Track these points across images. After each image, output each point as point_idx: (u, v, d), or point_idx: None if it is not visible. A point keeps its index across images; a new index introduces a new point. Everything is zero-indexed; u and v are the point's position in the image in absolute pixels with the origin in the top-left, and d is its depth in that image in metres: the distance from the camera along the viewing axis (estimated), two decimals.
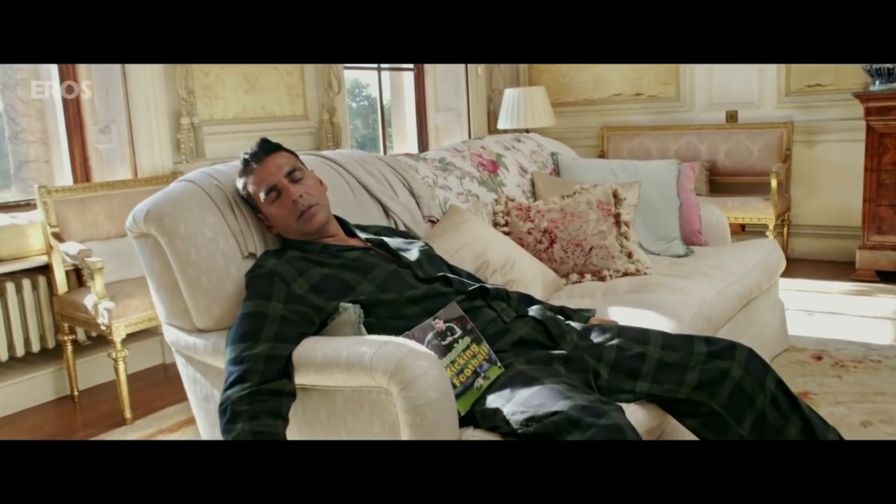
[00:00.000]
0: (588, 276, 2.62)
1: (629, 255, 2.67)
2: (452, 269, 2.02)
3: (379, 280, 1.75)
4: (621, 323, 1.98)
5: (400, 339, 1.56)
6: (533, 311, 1.82)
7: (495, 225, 2.70)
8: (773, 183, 4.56)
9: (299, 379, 1.62)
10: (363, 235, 1.93)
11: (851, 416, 2.52)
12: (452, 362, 1.62)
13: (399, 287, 1.75)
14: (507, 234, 2.66)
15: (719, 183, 5.06)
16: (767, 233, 4.61)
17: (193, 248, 1.79)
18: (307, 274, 1.73)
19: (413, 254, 1.88)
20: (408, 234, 2.09)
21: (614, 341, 1.77)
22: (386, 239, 1.92)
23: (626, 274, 2.62)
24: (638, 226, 2.92)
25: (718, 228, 3.21)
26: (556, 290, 2.49)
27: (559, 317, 1.86)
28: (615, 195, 2.74)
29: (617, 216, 2.71)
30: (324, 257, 1.80)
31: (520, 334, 1.73)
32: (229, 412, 1.53)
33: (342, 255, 1.81)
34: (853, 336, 3.34)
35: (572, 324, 1.86)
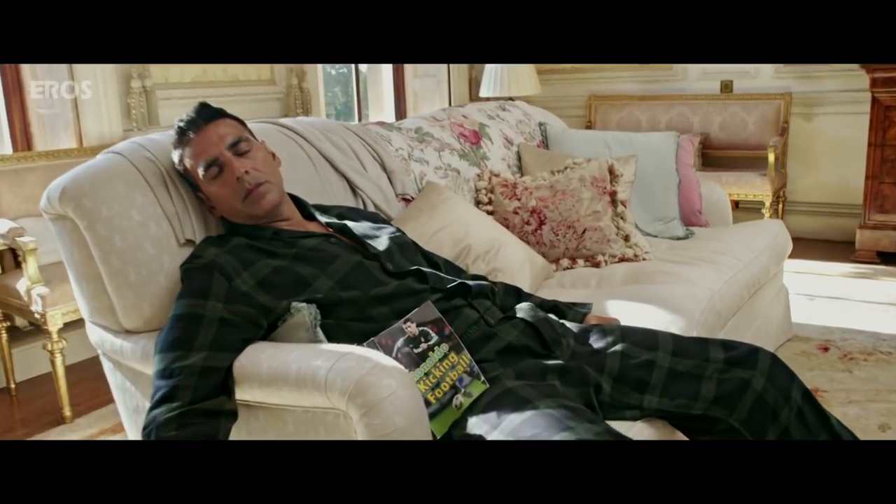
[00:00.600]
0: (581, 262, 2.35)
1: (626, 239, 2.40)
2: (429, 258, 1.75)
3: (340, 274, 1.47)
4: (622, 321, 1.72)
5: (362, 351, 1.28)
6: (522, 310, 1.54)
7: (477, 203, 2.42)
8: (771, 157, 4.30)
9: (241, 395, 1.34)
10: (324, 219, 1.64)
11: (867, 417, 2.29)
12: (427, 374, 1.35)
13: (364, 283, 1.46)
14: (490, 213, 2.38)
15: (712, 157, 4.80)
16: (763, 210, 4.37)
17: (118, 234, 1.49)
18: (254, 266, 1.44)
19: (382, 242, 1.60)
20: (377, 217, 1.80)
21: (618, 347, 1.50)
22: (350, 223, 1.63)
23: (622, 259, 2.36)
24: (633, 205, 2.65)
25: (720, 207, 2.95)
26: (546, 277, 2.22)
27: (552, 316, 1.59)
28: (611, 171, 2.46)
29: (613, 194, 2.44)
30: (275, 246, 1.51)
31: (507, 340, 1.46)
32: (153, 437, 1.26)
33: (297, 244, 1.52)
34: (859, 324, 3.11)
35: (567, 324, 1.59)
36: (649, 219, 2.73)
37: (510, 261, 2.03)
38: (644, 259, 2.36)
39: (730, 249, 2.45)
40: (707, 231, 2.77)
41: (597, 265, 2.34)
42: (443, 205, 2.08)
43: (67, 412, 2.58)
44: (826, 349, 2.85)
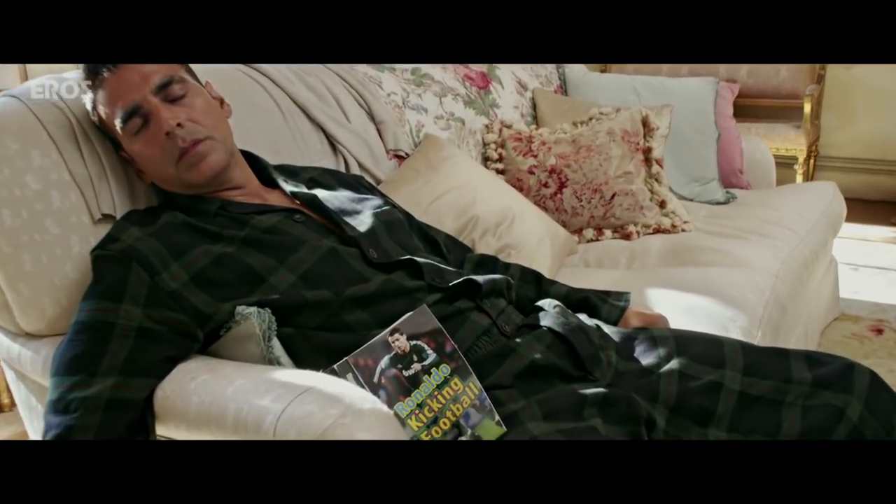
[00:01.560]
0: (608, 233, 1.97)
1: (662, 205, 2.02)
2: (426, 234, 1.37)
3: (305, 266, 1.09)
4: (669, 318, 1.36)
5: (330, 384, 0.90)
6: (548, 315, 1.16)
7: (486, 161, 2.03)
8: (807, 107, 3.87)
9: (164, 432, 0.98)
10: (289, 187, 1.25)
11: None
12: (420, 406, 0.98)
13: (337, 278, 1.09)
14: (500, 172, 1.99)
15: (741, 106, 4.33)
16: (796, 167, 3.96)
17: (7, 209, 1.11)
18: (188, 255, 1.06)
19: (364, 219, 1.21)
20: (360, 183, 1.41)
21: (673, 364, 1.13)
22: (322, 193, 1.25)
23: (657, 230, 1.98)
24: (667, 164, 2.26)
25: (762, 167, 2.56)
26: (570, 253, 1.84)
27: (586, 319, 1.22)
28: (645, 123, 2.06)
29: (647, 151, 2.05)
30: (220, 225, 1.12)
31: (530, 358, 1.08)
32: None
33: (250, 222, 1.14)
34: None
35: (605, 328, 1.22)
36: (684, 180, 2.34)
37: (526, 236, 1.65)
38: (683, 230, 1.98)
39: (782, 219, 2.07)
40: (750, 195, 2.38)
41: (627, 237, 1.96)
42: (444, 164, 1.69)
43: (5, 399, 2.23)
44: (880, 331, 2.49)
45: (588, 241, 1.95)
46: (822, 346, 2.34)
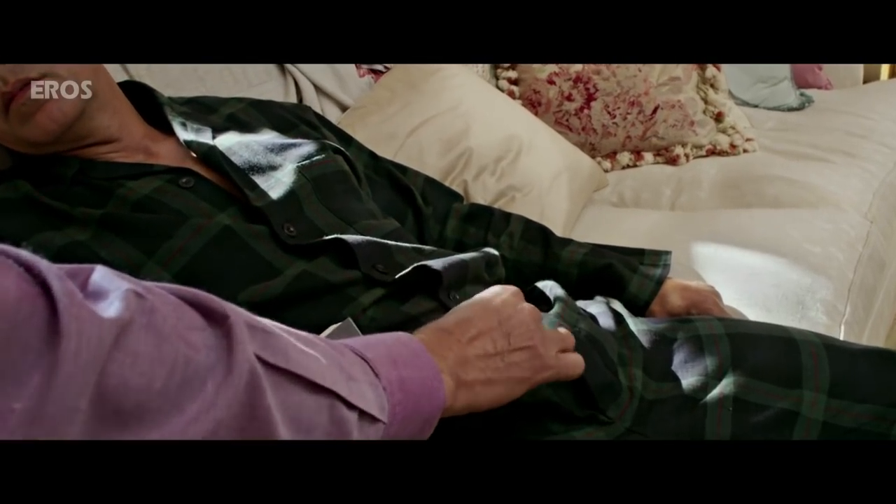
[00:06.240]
0: (649, 157, 1.58)
1: (718, 118, 1.60)
2: (398, 184, 1.02)
3: (184, 259, 0.74)
4: (723, 290, 0.99)
5: None
6: (544, 319, 0.80)
7: (496, 69, 1.63)
8: None
9: None
10: (186, 134, 0.89)
11: None
12: None
13: (231, 274, 0.74)
14: (513, 83, 1.60)
15: None
16: None
17: None
18: (29, 244, 0.73)
19: (283, 178, 0.85)
20: (300, 118, 1.03)
21: (727, 385, 0.76)
22: (230, 141, 0.88)
23: (712, 152, 1.57)
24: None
25: None
26: (599, 188, 1.46)
27: (605, 320, 0.86)
28: None
29: None
30: (75, 199, 0.78)
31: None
32: None
33: (116, 192, 0.79)
34: None
35: (631, 323, 0.86)
36: (748, 81, 1.90)
37: (537, 172, 1.27)
38: (745, 150, 1.57)
39: (874, 129, 1.64)
40: (831, 97, 1.93)
41: (673, 161, 1.56)
42: (430, 80, 1.30)
43: None
44: None
45: (623, 168, 1.56)
46: None
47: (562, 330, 0.69)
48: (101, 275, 0.37)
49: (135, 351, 0.35)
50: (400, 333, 0.59)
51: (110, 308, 0.35)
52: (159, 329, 0.36)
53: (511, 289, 0.68)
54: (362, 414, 0.48)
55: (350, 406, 0.46)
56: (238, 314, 0.41)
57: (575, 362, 0.68)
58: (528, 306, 0.66)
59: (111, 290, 0.36)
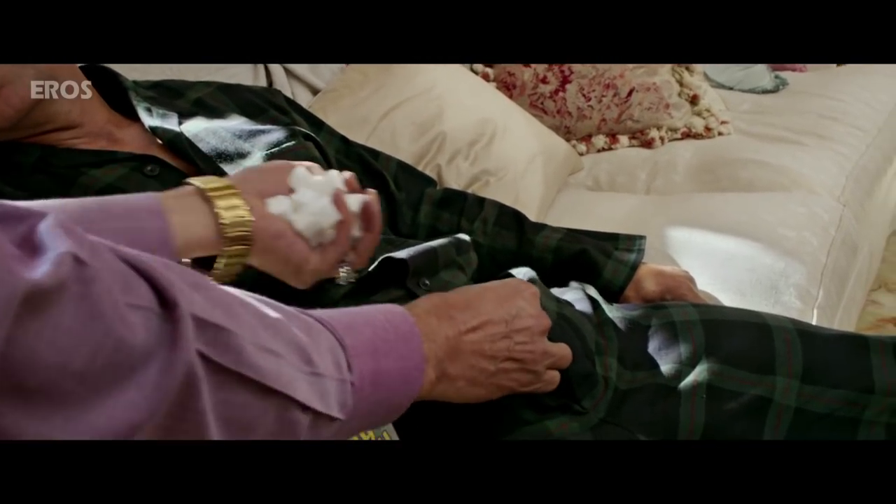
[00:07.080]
0: (624, 140, 1.57)
1: (693, 101, 1.60)
2: (370, 169, 1.01)
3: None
4: (698, 275, 0.99)
5: None
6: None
7: None
8: None
9: None
10: (152, 120, 0.87)
11: None
12: None
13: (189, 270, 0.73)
14: (487, 66, 1.58)
15: None
16: None
17: None
18: None
19: (250, 165, 0.84)
20: (269, 103, 1.01)
21: (702, 372, 0.76)
22: (197, 127, 0.86)
23: (687, 135, 1.57)
24: None
25: None
26: (574, 171, 1.45)
27: (581, 305, 0.85)
28: None
29: None
30: (35, 188, 0.77)
31: None
32: None
33: (78, 181, 0.77)
34: None
35: (606, 309, 0.85)
36: (721, 64, 1.90)
37: (512, 156, 1.26)
38: (720, 133, 1.57)
39: (846, 112, 1.64)
40: (805, 79, 1.94)
41: (648, 144, 1.56)
42: (402, 64, 1.29)
43: None
44: None
45: (598, 151, 1.56)
46: (886, 259, 1.96)
47: (562, 345, 0.67)
48: (47, 226, 0.32)
49: (56, 323, 0.30)
50: (394, 308, 0.55)
51: (38, 269, 0.30)
52: (94, 303, 0.31)
53: (533, 290, 0.65)
54: (318, 414, 0.44)
55: (304, 408, 0.42)
56: (190, 304, 0.36)
57: (554, 379, 0.66)
58: (540, 316, 0.63)
59: (50, 249, 0.31)
